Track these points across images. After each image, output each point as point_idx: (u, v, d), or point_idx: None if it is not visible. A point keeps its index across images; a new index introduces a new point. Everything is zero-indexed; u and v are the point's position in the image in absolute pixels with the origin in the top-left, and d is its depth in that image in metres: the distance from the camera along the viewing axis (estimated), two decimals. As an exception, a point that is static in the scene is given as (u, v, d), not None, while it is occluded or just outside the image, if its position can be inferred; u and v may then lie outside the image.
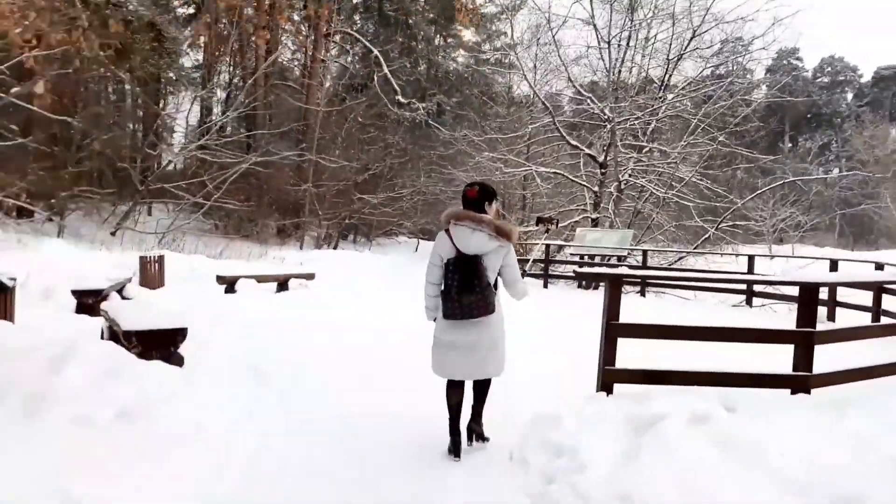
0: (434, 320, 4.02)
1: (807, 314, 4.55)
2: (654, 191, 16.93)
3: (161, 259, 11.42)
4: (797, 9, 15.94)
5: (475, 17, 30.89)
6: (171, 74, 21.23)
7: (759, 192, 17.68)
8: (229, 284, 10.69)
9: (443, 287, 3.81)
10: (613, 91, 17.38)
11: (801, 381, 4.53)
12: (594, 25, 17.20)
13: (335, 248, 24.36)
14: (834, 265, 8.21)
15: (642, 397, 4.04)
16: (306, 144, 22.80)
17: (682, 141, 17.36)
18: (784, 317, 10.88)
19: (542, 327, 8.46)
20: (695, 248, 16.87)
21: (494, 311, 3.77)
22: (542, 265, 15.54)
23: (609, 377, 4.46)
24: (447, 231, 3.83)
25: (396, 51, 30.22)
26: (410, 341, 6.72)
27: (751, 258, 11.92)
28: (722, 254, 16.34)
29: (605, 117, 17.44)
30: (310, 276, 11.79)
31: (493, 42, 34.00)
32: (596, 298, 12.62)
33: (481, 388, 4.07)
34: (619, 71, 17.82)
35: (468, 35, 36.78)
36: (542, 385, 5.51)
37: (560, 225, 18.58)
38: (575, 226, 18.48)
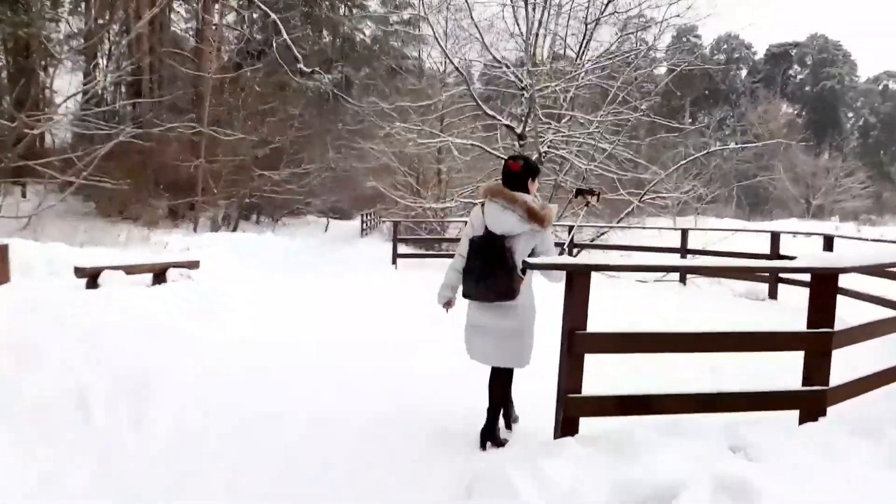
0: (445, 303, 3.86)
1: (822, 310, 3.49)
2: (575, 162, 16.05)
3: (3, 249, 9.33)
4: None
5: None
6: (42, 40, 18.34)
7: (684, 162, 17.18)
8: (91, 277, 8.83)
9: (465, 263, 3.58)
10: (531, 57, 16.29)
11: (815, 398, 3.48)
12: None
13: (234, 229, 22.25)
14: (829, 243, 7.44)
15: (625, 443, 2.85)
16: (197, 116, 20.50)
17: (601, 110, 16.55)
18: (707, 291, 10.25)
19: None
20: (618, 222, 16.21)
21: (515, 297, 3.45)
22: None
23: (573, 409, 3.25)
24: (482, 205, 3.60)
25: (298, 18, 28.04)
26: (320, 355, 5.34)
27: (684, 232, 11.19)
28: (646, 227, 15.75)
29: (522, 85, 16.36)
30: (193, 265, 10.02)
31: (401, 13, 32.28)
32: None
33: (503, 380, 3.71)
34: (537, 35, 16.75)
35: (375, 5, 35.01)
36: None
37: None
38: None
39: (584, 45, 17.22)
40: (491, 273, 3.43)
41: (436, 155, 20.59)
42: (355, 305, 8.22)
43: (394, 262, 13.43)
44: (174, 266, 9.73)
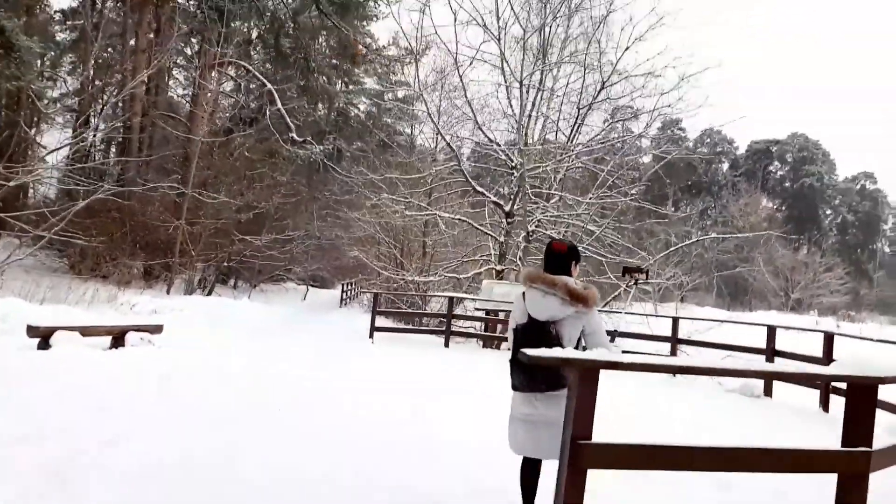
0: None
1: (860, 423, 3.02)
2: (565, 243, 15.82)
3: (-49, 303, 8.69)
4: (705, 66, 15.30)
5: (375, 59, 29.81)
6: (31, 94, 18.18)
7: (672, 248, 17.07)
8: (43, 338, 8.18)
9: (513, 353, 3.41)
10: (523, 136, 16.33)
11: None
12: (504, 60, 16.13)
13: (209, 293, 21.55)
14: (829, 342, 6.90)
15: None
16: (183, 177, 20.21)
17: (590, 193, 16.49)
18: (697, 384, 9.74)
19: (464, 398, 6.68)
20: (605, 306, 15.83)
21: (566, 384, 3.14)
22: (444, 320, 13.84)
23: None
24: (524, 294, 3.50)
25: (294, 90, 28.41)
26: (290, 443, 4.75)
27: (675, 321, 10.80)
28: (633, 313, 15.30)
29: (513, 164, 16.33)
30: (156, 329, 9.40)
31: (395, 92, 32.94)
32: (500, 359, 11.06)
33: (540, 467, 3.47)
34: (529, 116, 16.85)
35: (371, 83, 35.79)
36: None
37: (466, 276, 17.12)
38: (477, 277, 17.06)
39: (575, 129, 17.36)
40: None
41: (422, 228, 20.35)
42: (325, 387, 7.59)
43: (371, 335, 12.85)
44: (135, 329, 9.10)
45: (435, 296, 17.88)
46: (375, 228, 19.28)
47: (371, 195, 17.22)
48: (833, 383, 7.52)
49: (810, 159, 76.86)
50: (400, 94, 32.16)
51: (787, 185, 78.58)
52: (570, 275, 3.49)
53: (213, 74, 23.91)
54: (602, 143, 17.78)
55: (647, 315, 14.85)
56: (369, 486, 4.01)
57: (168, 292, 18.97)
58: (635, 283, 4.55)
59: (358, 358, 10.27)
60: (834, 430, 7.15)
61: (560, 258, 3.51)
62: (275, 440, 4.84)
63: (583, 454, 2.71)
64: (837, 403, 8.12)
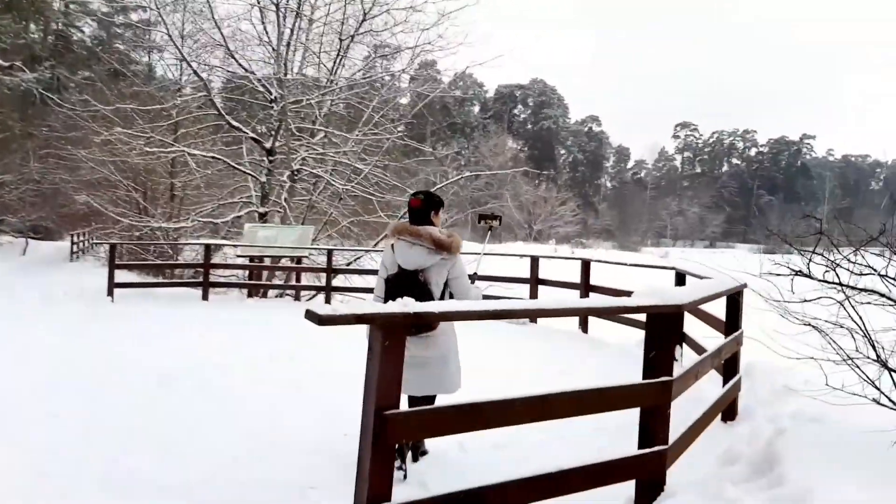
0: None
1: (662, 355, 2.93)
2: (332, 182, 15.08)
3: None
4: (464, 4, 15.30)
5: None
6: None
7: (436, 188, 17.22)
8: None
9: (384, 301, 3.35)
10: (283, 66, 15.03)
11: (656, 462, 2.89)
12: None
13: None
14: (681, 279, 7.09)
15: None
16: None
17: (356, 130, 15.87)
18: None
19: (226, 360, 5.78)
20: (374, 246, 15.59)
21: (436, 327, 3.46)
22: (200, 270, 12.43)
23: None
24: (392, 245, 3.73)
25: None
26: None
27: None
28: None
29: (273, 97, 15.00)
30: None
31: (128, 14, 28.50)
32: (272, 310, 10.23)
33: (427, 404, 3.57)
34: (288, 45, 15.52)
35: (98, 2, 30.58)
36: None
37: (225, 220, 15.57)
38: (236, 221, 15.65)
39: (338, 63, 16.41)
40: None
41: (168, 168, 18.06)
42: (42, 367, 6.17)
43: (110, 293, 11.05)
44: None
45: (188, 244, 16.09)
46: (110, 169, 16.58)
47: (102, 130, 14.63)
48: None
49: (548, 103, 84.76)
50: (134, 16, 27.91)
51: (529, 127, 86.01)
52: (432, 224, 3.76)
53: None
54: (365, 78, 17.15)
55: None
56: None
57: None
58: (490, 229, 4.69)
59: (90, 324, 8.62)
60: (597, 349, 7.73)
61: (419, 211, 3.76)
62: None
63: (390, 427, 2.20)
64: (593, 324, 8.83)
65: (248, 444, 3.96)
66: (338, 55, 16.17)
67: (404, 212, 15.85)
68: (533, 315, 2.69)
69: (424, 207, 3.77)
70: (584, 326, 8.92)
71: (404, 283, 3.57)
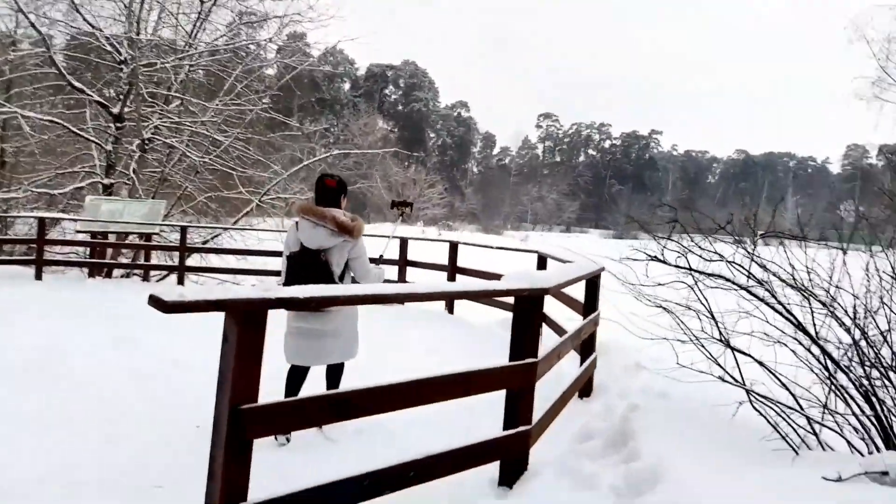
0: None
1: (527, 337, 2.96)
2: (188, 154, 14.05)
3: None
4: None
5: None
6: None
7: (303, 164, 16.60)
8: None
9: (286, 278, 3.81)
10: (135, 25, 13.75)
11: (519, 442, 2.94)
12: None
13: None
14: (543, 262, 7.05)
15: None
16: None
17: (217, 100, 14.90)
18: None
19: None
20: (235, 223, 14.79)
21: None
22: (33, 246, 11.16)
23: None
24: (297, 223, 3.90)
25: None
26: None
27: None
28: (263, 230, 14.60)
29: (122, 58, 13.70)
30: None
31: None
32: (117, 292, 9.38)
33: (333, 373, 4.09)
34: (143, 1, 14.18)
35: None
36: None
37: (63, 192, 14.04)
38: (77, 193, 14.21)
39: (198, 26, 15.27)
40: (311, 284, 3.51)
41: (-3, 131, 16.01)
42: None
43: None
44: None
45: (20, 217, 14.39)
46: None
47: None
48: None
49: (419, 86, 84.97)
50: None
51: (400, 108, 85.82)
52: (339, 207, 3.93)
53: None
54: (229, 45, 16.13)
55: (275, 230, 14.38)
56: None
57: None
58: (402, 215, 4.95)
59: None
60: (462, 329, 7.84)
61: (331, 192, 3.92)
62: None
63: (247, 423, 2.02)
64: (459, 305, 8.95)
65: (87, 439, 3.57)
66: (198, 18, 15.07)
67: (269, 188, 15.21)
68: (407, 300, 2.61)
69: (338, 189, 3.95)
70: (450, 307, 9.02)
71: (306, 261, 3.75)
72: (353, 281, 3.95)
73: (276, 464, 3.30)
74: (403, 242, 10.12)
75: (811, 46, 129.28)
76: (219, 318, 2.11)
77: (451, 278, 8.97)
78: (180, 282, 11.10)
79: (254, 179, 15.60)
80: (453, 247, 9.27)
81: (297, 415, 2.33)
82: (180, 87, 14.86)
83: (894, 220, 4.14)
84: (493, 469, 3.01)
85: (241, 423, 2.01)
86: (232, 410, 1.99)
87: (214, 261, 13.60)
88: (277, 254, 11.79)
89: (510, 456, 2.97)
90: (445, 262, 9.29)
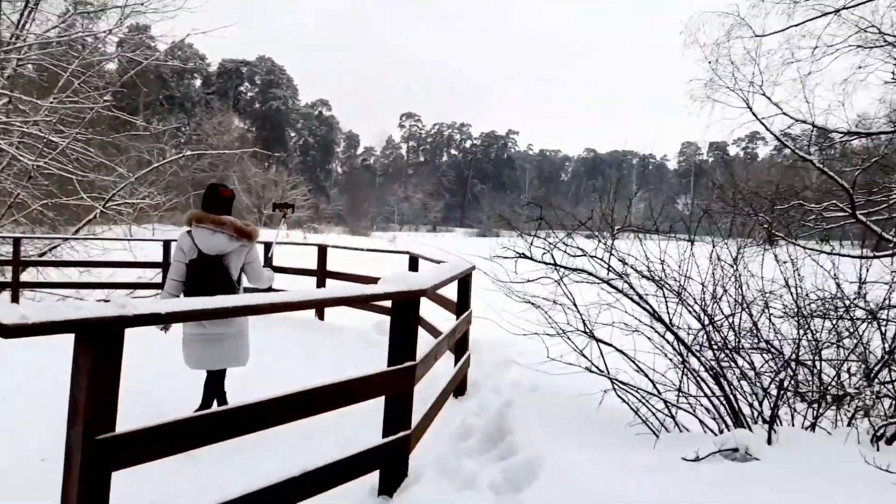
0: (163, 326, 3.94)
1: (406, 341, 2.94)
2: (19, 157, 12.62)
3: None
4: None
5: None
6: None
7: (152, 167, 15.46)
8: None
9: (186, 285, 3.96)
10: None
11: (399, 449, 2.92)
12: None
13: None
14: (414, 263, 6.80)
15: None
16: None
17: (51, 97, 13.52)
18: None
19: None
20: (76, 232, 13.49)
21: None
22: None
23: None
24: (189, 232, 4.03)
25: None
26: None
27: (166, 244, 9.82)
28: (110, 239, 13.46)
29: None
30: None
31: None
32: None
33: (217, 378, 4.20)
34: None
35: None
36: None
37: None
38: None
39: (26, 16, 13.76)
40: (213, 288, 3.85)
41: None
42: None
43: None
44: None
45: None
46: None
47: None
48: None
49: (277, 83, 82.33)
50: None
51: (257, 106, 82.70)
52: (230, 214, 4.13)
53: None
54: (62, 37, 14.69)
55: (132, 240, 13.33)
56: None
57: None
58: (284, 217, 5.14)
59: None
60: (336, 335, 7.67)
61: (227, 200, 4.17)
62: None
63: (106, 455, 1.83)
64: (329, 310, 8.76)
65: None
66: (25, 6, 13.61)
67: (114, 193, 14.02)
68: (280, 310, 2.49)
69: (232, 198, 4.25)
70: (320, 314, 8.80)
71: (207, 267, 3.93)
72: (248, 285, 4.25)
73: (141, 495, 3.03)
74: (322, 250, 9.64)
75: (651, 51, 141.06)
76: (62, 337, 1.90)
77: (322, 284, 8.75)
78: (14, 299, 9.96)
79: (97, 184, 14.34)
80: (322, 250, 9.05)
81: (167, 440, 2.14)
82: (8, 83, 13.35)
83: (730, 213, 4.58)
84: (373, 477, 2.96)
85: (98, 456, 1.82)
86: (87, 441, 1.79)
87: (53, 275, 12.36)
88: (126, 265, 10.96)
89: (390, 464, 2.93)
90: (313, 266, 9.04)
